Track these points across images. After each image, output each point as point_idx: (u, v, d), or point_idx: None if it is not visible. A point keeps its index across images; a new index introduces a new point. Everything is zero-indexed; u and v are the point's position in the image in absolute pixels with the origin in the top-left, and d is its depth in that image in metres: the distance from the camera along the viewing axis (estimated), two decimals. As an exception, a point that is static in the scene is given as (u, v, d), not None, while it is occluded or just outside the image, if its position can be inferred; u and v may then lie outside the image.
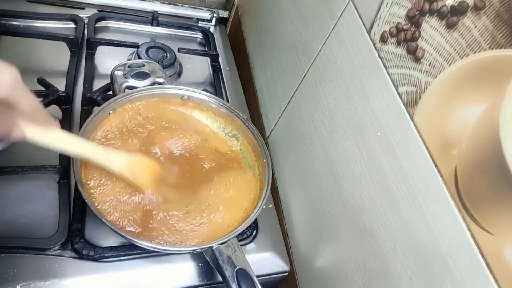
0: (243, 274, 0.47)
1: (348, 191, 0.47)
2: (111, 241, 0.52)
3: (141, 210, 0.51)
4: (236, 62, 0.84)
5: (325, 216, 0.52)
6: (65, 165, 0.56)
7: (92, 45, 0.72)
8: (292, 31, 0.62)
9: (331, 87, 0.50)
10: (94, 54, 0.73)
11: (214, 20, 0.89)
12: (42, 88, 0.62)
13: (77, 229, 0.51)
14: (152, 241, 0.49)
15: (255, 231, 0.60)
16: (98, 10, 0.80)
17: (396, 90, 0.39)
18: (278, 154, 0.67)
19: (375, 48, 0.42)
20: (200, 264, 0.54)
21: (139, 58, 0.72)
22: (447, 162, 0.33)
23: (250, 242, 0.59)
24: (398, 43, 0.39)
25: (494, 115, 0.29)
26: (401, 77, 0.39)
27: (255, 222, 0.61)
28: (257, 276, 0.48)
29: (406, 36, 0.38)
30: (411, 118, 0.37)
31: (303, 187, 0.58)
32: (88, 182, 0.51)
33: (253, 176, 0.60)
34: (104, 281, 0.50)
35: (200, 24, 0.88)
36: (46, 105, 0.60)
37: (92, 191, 0.51)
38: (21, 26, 0.72)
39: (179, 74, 0.78)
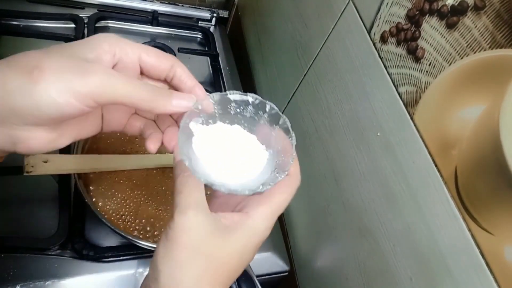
0: (243, 274, 0.47)
1: (348, 191, 0.47)
2: (111, 241, 0.52)
3: (141, 209, 0.52)
4: (236, 62, 0.84)
5: (325, 216, 0.52)
6: (65, 165, 0.56)
7: (92, 45, 0.72)
8: (292, 31, 0.62)
9: (331, 87, 0.50)
10: (94, 54, 0.72)
11: (214, 20, 0.88)
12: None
13: (77, 229, 0.51)
14: (152, 241, 0.49)
15: (255, 231, 0.60)
16: (98, 10, 0.79)
17: (396, 90, 0.39)
18: (278, 154, 0.67)
19: (375, 48, 0.42)
20: (200, 264, 0.54)
21: (139, 58, 0.72)
22: (447, 162, 0.33)
23: (250, 242, 0.59)
24: (398, 43, 0.39)
25: (494, 115, 0.29)
26: (401, 77, 0.39)
27: (255, 222, 0.61)
28: (257, 276, 0.48)
29: (406, 36, 0.38)
30: (411, 118, 0.37)
31: (303, 187, 0.58)
32: (88, 182, 0.51)
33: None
34: (104, 281, 0.50)
35: (200, 24, 0.88)
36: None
37: (92, 191, 0.51)
38: (21, 26, 0.72)
39: (179, 74, 0.78)
